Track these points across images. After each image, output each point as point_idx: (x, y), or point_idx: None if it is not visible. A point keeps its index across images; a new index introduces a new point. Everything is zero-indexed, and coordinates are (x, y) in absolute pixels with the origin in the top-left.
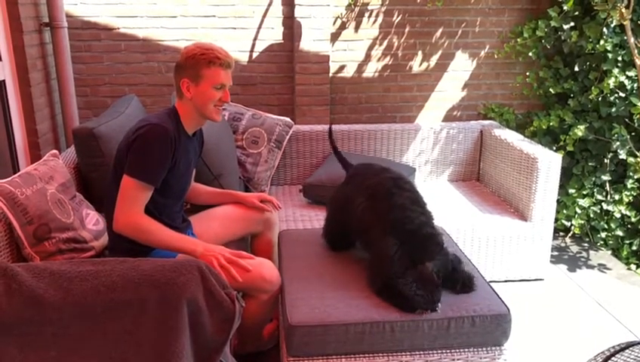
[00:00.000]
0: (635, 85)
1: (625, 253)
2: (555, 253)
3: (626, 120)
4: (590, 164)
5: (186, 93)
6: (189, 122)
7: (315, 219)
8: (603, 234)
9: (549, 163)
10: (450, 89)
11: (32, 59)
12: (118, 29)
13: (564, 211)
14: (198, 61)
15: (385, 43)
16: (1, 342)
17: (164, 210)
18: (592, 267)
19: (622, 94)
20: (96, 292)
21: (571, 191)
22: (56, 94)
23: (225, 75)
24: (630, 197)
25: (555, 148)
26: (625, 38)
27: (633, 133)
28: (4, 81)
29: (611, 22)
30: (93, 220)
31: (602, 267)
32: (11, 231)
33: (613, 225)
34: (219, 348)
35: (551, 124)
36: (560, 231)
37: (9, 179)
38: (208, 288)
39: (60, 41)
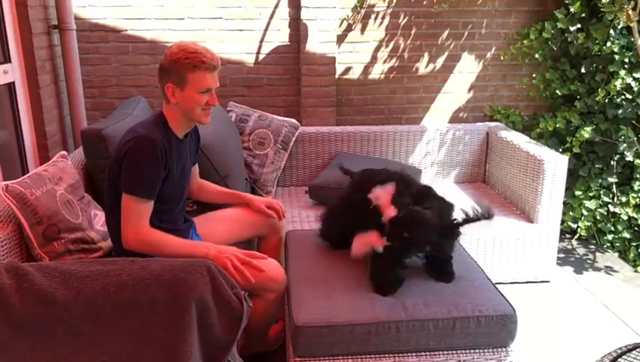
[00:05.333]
0: None
1: (632, 255)
2: (562, 255)
3: (633, 122)
4: (597, 165)
5: (171, 98)
6: (177, 127)
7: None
8: (610, 237)
9: (556, 165)
10: (456, 91)
11: (41, 61)
12: (126, 31)
13: (571, 213)
14: (183, 66)
15: (391, 45)
16: (12, 341)
17: (164, 216)
18: (598, 269)
19: (629, 96)
20: (106, 291)
21: (578, 193)
22: (65, 96)
23: (211, 78)
24: (637, 200)
25: (561, 149)
26: (632, 39)
27: None
28: (13, 82)
29: (618, 23)
30: (101, 221)
31: (609, 269)
32: (21, 232)
33: (619, 227)
34: (227, 348)
35: (557, 125)
36: (566, 233)
37: (19, 179)
38: (217, 288)
39: (68, 43)
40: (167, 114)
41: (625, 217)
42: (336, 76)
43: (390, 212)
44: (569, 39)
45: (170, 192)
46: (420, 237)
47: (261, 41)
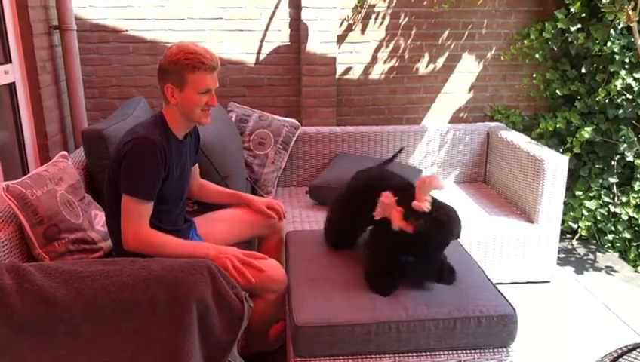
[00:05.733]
0: None
1: (632, 255)
2: (562, 255)
3: (633, 122)
4: (597, 166)
5: (170, 99)
6: (177, 127)
7: (322, 220)
8: (610, 237)
9: (556, 165)
10: (456, 91)
11: (41, 62)
12: (127, 31)
13: (571, 213)
14: (182, 66)
15: (391, 45)
16: (13, 341)
17: (164, 216)
18: (599, 269)
19: (629, 96)
20: (107, 291)
21: (578, 193)
22: (65, 96)
23: (211, 78)
24: (637, 200)
25: (561, 150)
26: (632, 39)
27: None
28: (14, 83)
29: (618, 24)
30: (101, 221)
31: (609, 269)
32: (22, 232)
33: (620, 228)
34: (227, 348)
35: (558, 125)
36: (567, 233)
37: (20, 180)
38: (217, 288)
39: (69, 44)
40: (167, 114)
41: (625, 217)
42: (337, 76)
43: (422, 204)
44: (569, 39)
45: (170, 193)
46: (447, 240)
47: (261, 42)
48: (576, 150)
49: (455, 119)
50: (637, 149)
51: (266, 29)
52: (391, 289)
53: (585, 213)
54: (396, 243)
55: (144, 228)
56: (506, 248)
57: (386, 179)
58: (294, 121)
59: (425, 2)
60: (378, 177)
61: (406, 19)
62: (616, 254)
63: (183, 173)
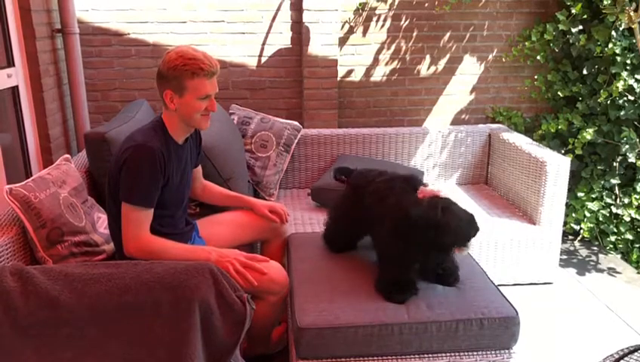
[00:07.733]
0: None
1: (634, 256)
2: (564, 257)
3: (635, 123)
4: (599, 167)
5: (169, 105)
6: (176, 132)
7: (324, 223)
8: (612, 238)
9: (558, 166)
10: (458, 92)
11: (44, 65)
12: (129, 34)
13: (573, 215)
14: (181, 73)
15: (393, 47)
16: (17, 343)
17: (165, 221)
18: (601, 271)
19: (631, 97)
20: (110, 294)
21: (580, 194)
22: (68, 99)
23: (210, 84)
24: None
25: (563, 151)
26: (634, 41)
27: None
28: (17, 86)
29: (620, 25)
30: (104, 224)
31: (612, 271)
32: (25, 235)
33: (622, 229)
34: (230, 350)
35: (559, 127)
36: (569, 234)
37: (23, 183)
38: (220, 290)
39: (71, 47)
40: (166, 120)
41: (627, 218)
42: (338, 78)
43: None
44: (571, 41)
45: (170, 198)
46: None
47: (263, 44)
48: (578, 151)
49: (457, 121)
50: (639, 150)
51: (268, 32)
52: (406, 295)
53: (587, 214)
54: (411, 248)
55: (144, 235)
56: (508, 250)
57: (385, 180)
58: (296, 123)
59: (426, 4)
60: (377, 178)
61: (407, 22)
62: (619, 255)
63: (183, 177)
